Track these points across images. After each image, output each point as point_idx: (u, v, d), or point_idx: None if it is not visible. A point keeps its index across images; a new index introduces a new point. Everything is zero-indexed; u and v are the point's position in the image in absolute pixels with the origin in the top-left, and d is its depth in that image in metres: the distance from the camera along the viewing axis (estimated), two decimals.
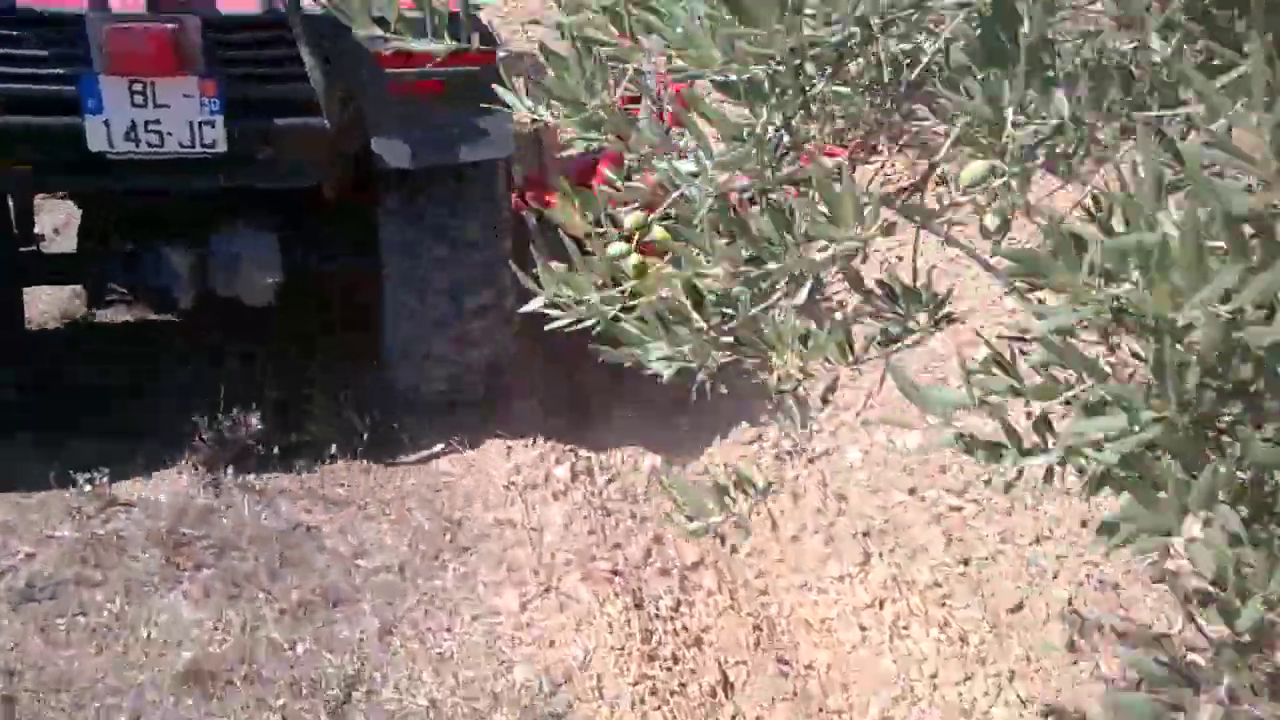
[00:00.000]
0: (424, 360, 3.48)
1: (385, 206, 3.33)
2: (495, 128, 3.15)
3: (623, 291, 1.10)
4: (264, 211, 3.38)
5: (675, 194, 1.07)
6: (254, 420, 3.29)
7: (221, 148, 2.95)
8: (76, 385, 3.68)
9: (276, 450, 3.32)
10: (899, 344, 1.07)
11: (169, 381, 3.71)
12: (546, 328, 1.16)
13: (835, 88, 1.10)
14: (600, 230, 1.14)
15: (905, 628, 2.87)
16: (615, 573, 3.01)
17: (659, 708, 2.61)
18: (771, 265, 0.97)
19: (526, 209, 4.52)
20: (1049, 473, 0.92)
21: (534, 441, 3.52)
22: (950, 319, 1.09)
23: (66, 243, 4.14)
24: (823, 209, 0.90)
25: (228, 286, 3.35)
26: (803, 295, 1.04)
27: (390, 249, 3.35)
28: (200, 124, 2.91)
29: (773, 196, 1.04)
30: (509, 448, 3.47)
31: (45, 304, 4.14)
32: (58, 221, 4.55)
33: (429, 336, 3.43)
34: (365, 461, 3.41)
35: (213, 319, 3.79)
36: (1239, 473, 0.82)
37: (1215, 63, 0.87)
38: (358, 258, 3.56)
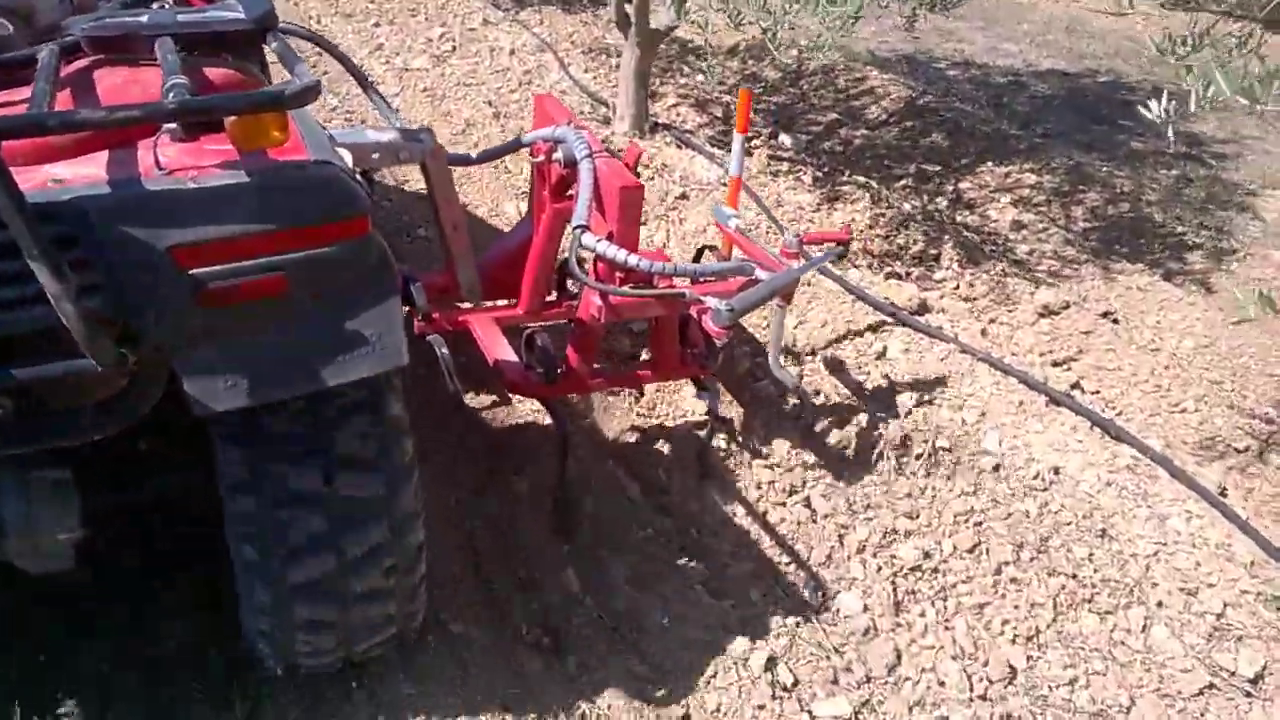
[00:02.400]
0: (295, 633, 2.40)
1: (220, 429, 2.20)
2: (378, 327, 2.03)
3: None
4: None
5: None
6: None
7: None
8: None
9: None
10: None
11: None
12: None
13: None
14: None
15: None
16: None
17: None
18: None
19: (433, 332, 3.35)
20: None
21: None
22: None
23: None
24: None
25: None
26: None
27: (231, 485, 2.22)
28: None
29: None
30: None
31: None
32: None
33: (297, 603, 2.33)
34: None
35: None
36: None
37: None
38: (189, 470, 2.43)
